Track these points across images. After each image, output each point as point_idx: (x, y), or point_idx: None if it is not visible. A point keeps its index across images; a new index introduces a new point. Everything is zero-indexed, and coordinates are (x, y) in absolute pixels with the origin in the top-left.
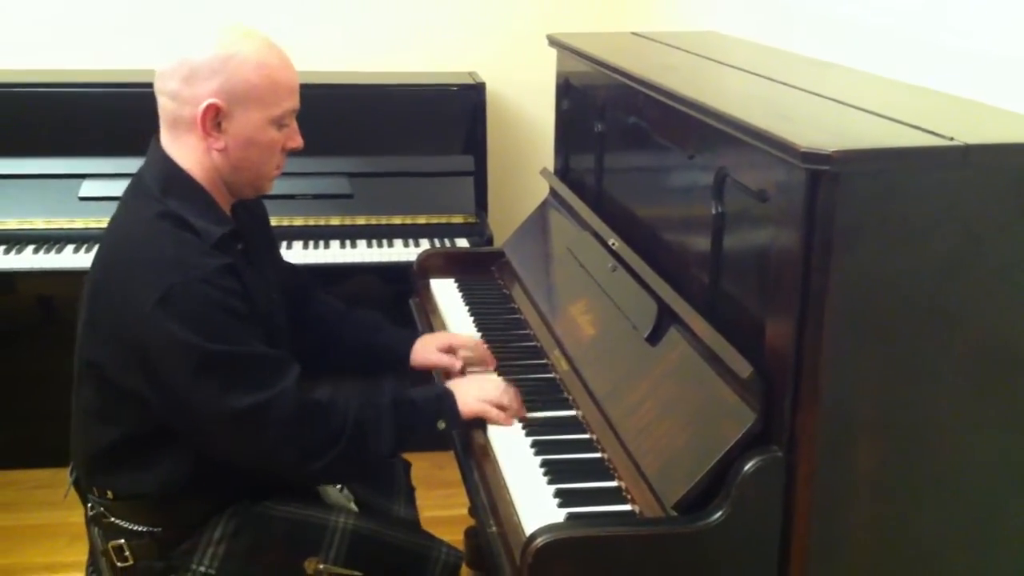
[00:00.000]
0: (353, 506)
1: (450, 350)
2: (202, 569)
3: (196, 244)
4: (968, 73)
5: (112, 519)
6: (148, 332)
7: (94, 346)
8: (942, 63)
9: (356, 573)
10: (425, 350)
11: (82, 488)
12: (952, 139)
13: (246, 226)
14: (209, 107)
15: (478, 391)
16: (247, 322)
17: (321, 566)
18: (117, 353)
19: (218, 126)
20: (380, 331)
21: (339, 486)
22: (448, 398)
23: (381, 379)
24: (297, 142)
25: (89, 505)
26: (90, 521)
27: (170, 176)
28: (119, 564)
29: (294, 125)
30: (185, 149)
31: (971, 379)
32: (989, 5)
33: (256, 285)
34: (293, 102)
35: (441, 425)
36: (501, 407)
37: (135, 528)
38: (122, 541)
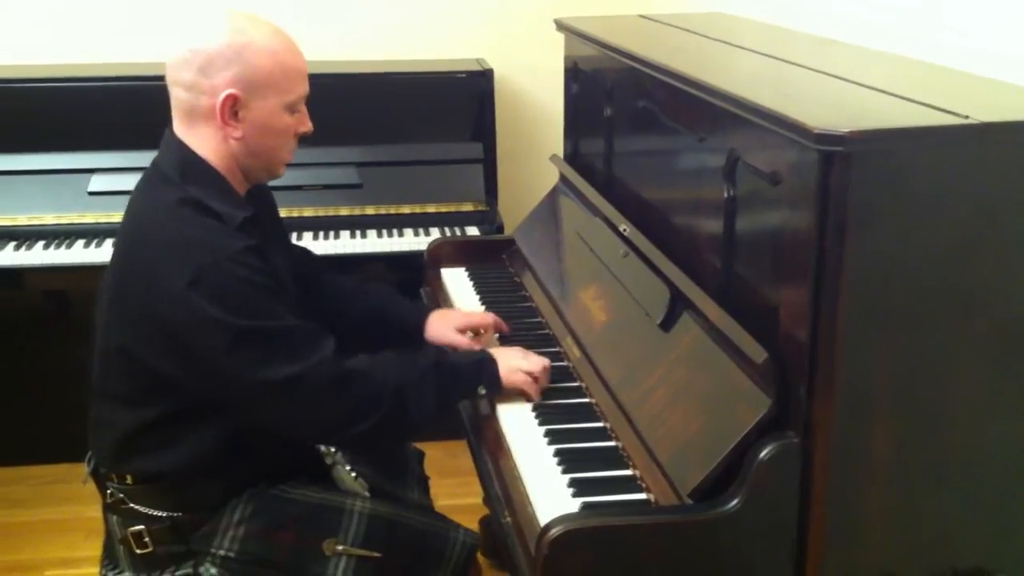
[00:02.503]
0: (367, 494)
1: (467, 330)
2: (221, 552)
3: (220, 227)
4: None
5: (131, 505)
6: (180, 313)
7: (123, 332)
8: (939, 61)
9: (374, 554)
10: (443, 327)
11: (100, 476)
12: (967, 117)
13: (259, 213)
14: (228, 97)
15: (521, 362)
16: (278, 298)
17: (340, 547)
18: (149, 336)
19: (235, 115)
20: (391, 303)
21: (353, 474)
22: (490, 364)
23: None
24: (308, 126)
25: (108, 492)
26: (108, 509)
27: (188, 164)
28: (138, 551)
29: (304, 110)
30: (202, 138)
31: (988, 361)
32: (986, 4)
33: (277, 266)
34: (304, 87)
35: (482, 391)
36: (536, 381)
37: (154, 513)
38: (141, 527)
